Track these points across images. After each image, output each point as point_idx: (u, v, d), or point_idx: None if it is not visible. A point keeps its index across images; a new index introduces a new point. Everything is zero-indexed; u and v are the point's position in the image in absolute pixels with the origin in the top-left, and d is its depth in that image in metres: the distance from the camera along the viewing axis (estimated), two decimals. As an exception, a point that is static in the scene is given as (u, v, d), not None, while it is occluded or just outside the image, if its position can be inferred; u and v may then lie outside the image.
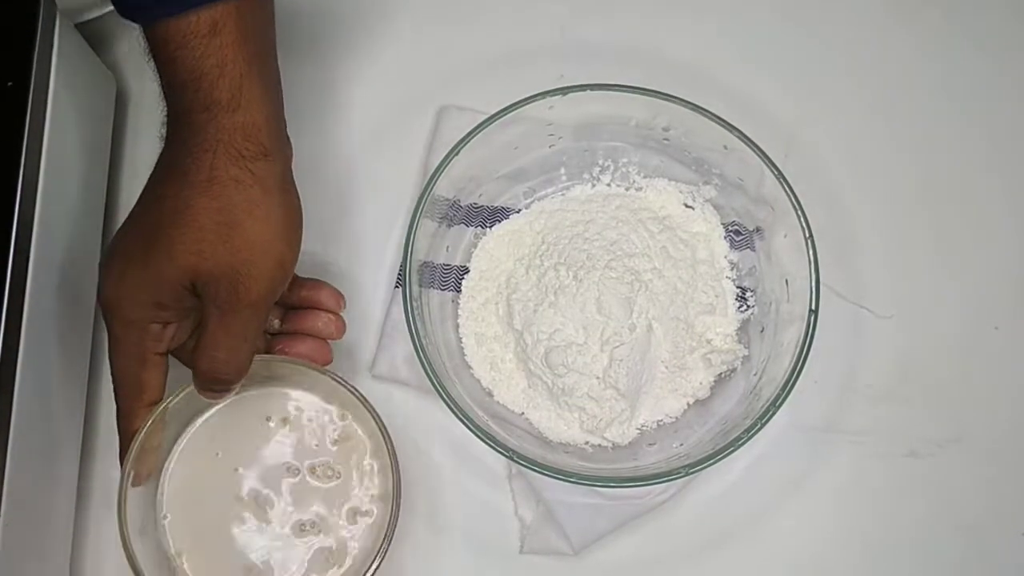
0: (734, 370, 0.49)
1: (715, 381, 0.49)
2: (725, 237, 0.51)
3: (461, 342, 0.50)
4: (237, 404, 0.44)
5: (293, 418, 0.45)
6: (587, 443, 0.48)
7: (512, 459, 0.43)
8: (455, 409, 0.43)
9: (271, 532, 0.43)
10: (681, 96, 0.47)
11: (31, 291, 0.42)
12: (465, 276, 0.51)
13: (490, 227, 0.52)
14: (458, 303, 0.51)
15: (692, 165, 0.51)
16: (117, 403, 0.42)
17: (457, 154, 0.47)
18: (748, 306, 0.51)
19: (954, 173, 0.55)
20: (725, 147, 0.48)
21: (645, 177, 0.52)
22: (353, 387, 0.43)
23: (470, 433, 0.43)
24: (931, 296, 0.53)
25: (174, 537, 0.43)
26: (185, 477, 0.44)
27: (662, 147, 0.51)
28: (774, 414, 0.44)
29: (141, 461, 0.42)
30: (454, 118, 0.54)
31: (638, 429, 0.49)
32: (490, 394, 0.49)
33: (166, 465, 0.44)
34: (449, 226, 0.51)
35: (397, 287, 0.52)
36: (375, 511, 0.44)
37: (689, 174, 0.51)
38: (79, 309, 0.49)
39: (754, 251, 0.50)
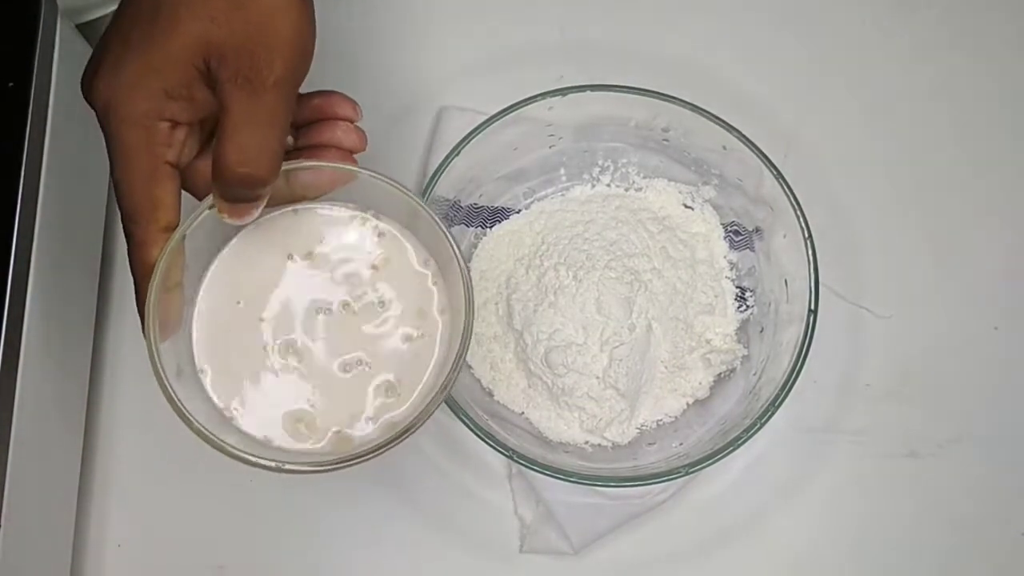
0: (733, 370, 0.49)
1: (714, 381, 0.49)
2: (724, 237, 0.51)
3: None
4: (255, 239, 0.38)
5: (319, 250, 0.39)
6: (587, 443, 0.48)
7: (512, 459, 0.43)
8: (455, 408, 0.43)
9: (315, 377, 0.38)
10: (681, 96, 0.47)
11: (33, 291, 0.42)
12: (465, 276, 0.51)
13: (490, 227, 0.52)
14: (458, 303, 0.51)
15: (691, 165, 0.51)
16: (128, 230, 0.35)
17: (457, 154, 0.47)
18: (747, 306, 0.51)
19: (954, 173, 0.55)
20: (724, 147, 0.48)
21: (645, 177, 0.52)
22: (398, 183, 0.37)
23: (470, 433, 0.43)
24: (930, 296, 0.53)
25: (216, 392, 0.38)
26: (212, 329, 0.38)
27: (662, 147, 0.51)
28: (773, 414, 0.44)
29: (165, 303, 0.36)
30: (454, 118, 0.54)
31: (638, 429, 0.49)
32: (490, 394, 0.49)
33: (192, 313, 0.38)
34: (449, 226, 0.51)
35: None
36: (439, 321, 0.38)
37: (688, 174, 0.51)
38: (80, 309, 0.49)
39: (753, 251, 0.50)
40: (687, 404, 0.49)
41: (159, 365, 0.35)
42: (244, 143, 0.33)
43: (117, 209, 0.53)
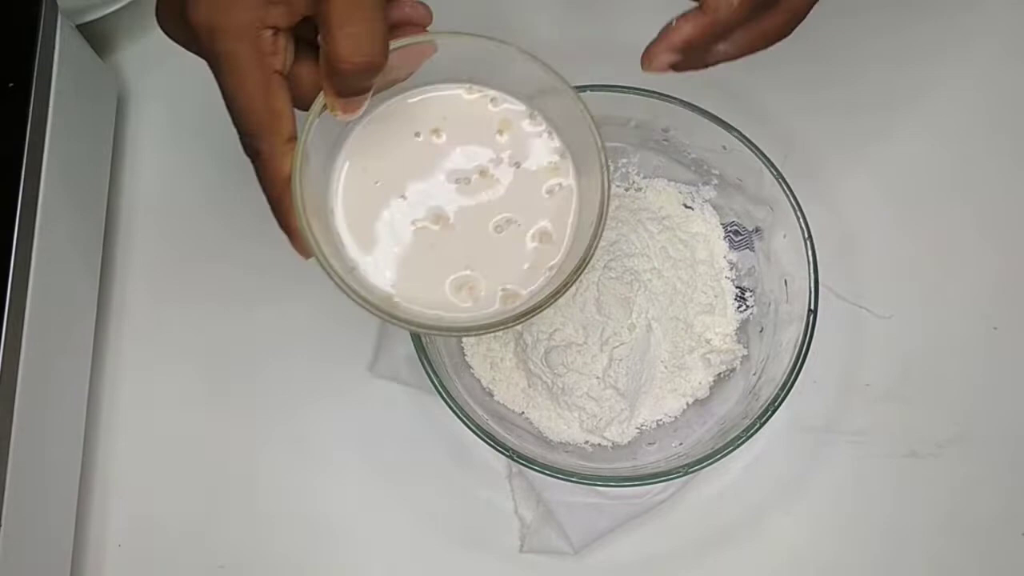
0: (733, 370, 0.49)
1: (714, 381, 0.49)
2: (724, 237, 0.51)
3: (461, 341, 0.50)
4: (376, 128, 0.38)
5: (442, 125, 0.39)
6: (587, 442, 0.48)
7: (512, 458, 0.43)
8: (455, 409, 0.43)
9: (468, 242, 0.38)
10: (681, 96, 0.47)
11: (33, 291, 0.43)
12: (465, 276, 0.51)
13: (490, 227, 0.52)
14: (458, 303, 0.51)
15: (691, 165, 0.51)
16: (253, 149, 0.35)
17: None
18: (747, 306, 0.51)
19: (954, 173, 0.55)
20: (724, 147, 0.48)
21: (645, 177, 0.52)
22: (500, 40, 0.37)
23: (470, 433, 0.43)
24: (930, 296, 0.53)
25: (378, 280, 0.37)
26: (357, 222, 0.38)
27: (662, 147, 0.51)
28: (773, 414, 0.44)
29: (310, 212, 0.35)
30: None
31: (637, 429, 0.49)
32: (490, 394, 0.49)
33: (333, 213, 0.38)
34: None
35: (397, 287, 0.52)
36: (571, 169, 0.38)
37: (688, 174, 0.51)
38: (81, 309, 0.49)
39: (753, 251, 0.50)
40: (687, 404, 0.49)
41: (333, 269, 0.35)
42: (354, 32, 0.33)
43: (118, 208, 0.54)
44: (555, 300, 0.36)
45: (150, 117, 0.56)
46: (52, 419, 0.45)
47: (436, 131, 0.39)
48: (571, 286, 0.36)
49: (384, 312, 0.35)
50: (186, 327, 0.53)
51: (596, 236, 0.36)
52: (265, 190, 0.35)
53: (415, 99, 0.39)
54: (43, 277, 0.43)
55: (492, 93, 0.39)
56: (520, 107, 0.39)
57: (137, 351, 0.52)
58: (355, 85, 0.34)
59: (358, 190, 0.38)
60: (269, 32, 0.34)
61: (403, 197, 0.38)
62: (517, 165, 0.39)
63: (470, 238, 0.38)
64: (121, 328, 0.52)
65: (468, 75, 0.39)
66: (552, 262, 0.38)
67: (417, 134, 0.39)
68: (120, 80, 0.55)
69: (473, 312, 0.38)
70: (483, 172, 0.38)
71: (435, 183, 0.38)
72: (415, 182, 0.38)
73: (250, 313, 0.53)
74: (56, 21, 0.46)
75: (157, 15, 0.35)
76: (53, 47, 0.45)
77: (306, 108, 0.35)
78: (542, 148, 0.39)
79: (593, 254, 0.36)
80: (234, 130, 0.52)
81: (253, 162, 0.35)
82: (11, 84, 0.43)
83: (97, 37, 0.54)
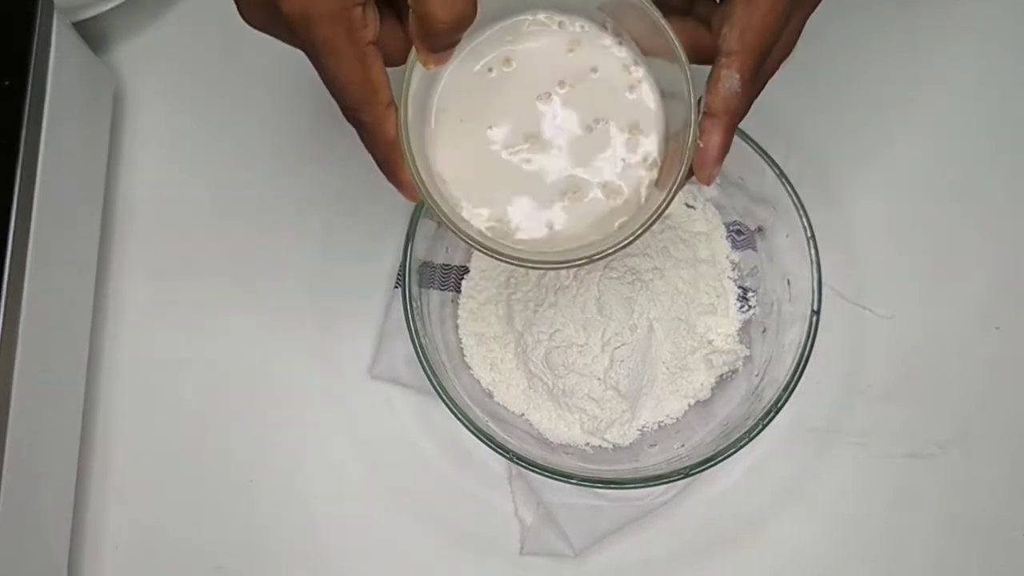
0: (735, 371, 0.49)
1: (716, 382, 0.49)
2: (726, 237, 0.51)
3: (461, 342, 0.50)
4: (452, 69, 0.39)
5: (512, 53, 0.39)
6: (588, 444, 0.48)
7: (512, 460, 0.43)
8: (455, 410, 0.43)
9: (561, 151, 0.39)
10: (682, 96, 0.47)
11: (29, 290, 0.42)
12: (465, 276, 0.51)
13: (491, 227, 0.52)
14: (458, 303, 0.51)
15: (693, 165, 0.51)
16: (356, 120, 0.36)
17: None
18: (750, 306, 0.50)
19: (955, 173, 0.55)
20: (726, 147, 0.48)
21: (646, 177, 0.52)
22: None
23: (470, 434, 0.43)
24: (932, 296, 0.53)
25: (479, 216, 0.39)
26: (451, 161, 0.39)
27: (663, 146, 0.51)
28: (776, 415, 0.43)
29: (419, 164, 0.37)
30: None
31: (639, 430, 0.48)
32: (490, 395, 0.49)
33: (430, 158, 0.39)
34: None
35: (397, 287, 0.51)
36: (642, 67, 0.39)
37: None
38: (77, 308, 0.49)
39: (756, 251, 0.50)
40: (688, 405, 0.49)
41: (444, 212, 0.37)
42: None
43: (114, 207, 0.53)
44: (676, 193, 0.37)
45: (146, 115, 0.55)
46: (48, 420, 0.45)
47: (507, 60, 0.39)
48: (682, 181, 0.37)
49: (492, 249, 0.37)
50: (184, 327, 0.52)
51: (693, 124, 0.37)
52: (373, 153, 0.37)
53: (482, 36, 0.39)
54: (39, 276, 0.43)
55: (556, 17, 0.40)
56: (584, 22, 0.40)
57: (134, 351, 0.52)
58: (448, 40, 0.36)
59: (449, 131, 0.39)
60: (359, 8, 0.34)
61: (491, 128, 0.39)
62: (593, 71, 0.39)
63: (564, 148, 0.39)
64: (118, 327, 0.52)
65: (524, 6, 0.40)
66: (647, 151, 0.39)
67: (490, 69, 0.39)
68: (116, 78, 0.55)
69: (579, 216, 0.39)
70: (562, 84, 0.39)
71: (521, 108, 0.39)
72: (501, 113, 0.39)
73: (249, 313, 0.52)
74: (52, 19, 0.45)
75: (239, 6, 0.36)
76: (49, 45, 0.45)
77: (395, 66, 0.36)
78: (614, 57, 0.39)
79: (695, 140, 0.37)
80: (234, 130, 0.52)
81: (358, 131, 0.36)
82: (7, 82, 0.43)
83: (93, 35, 0.54)
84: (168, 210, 0.54)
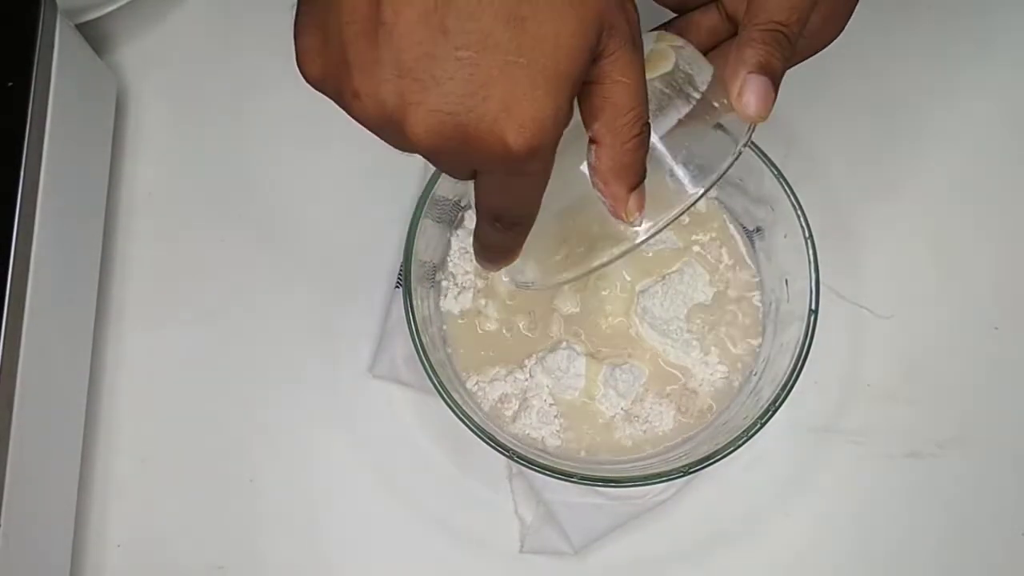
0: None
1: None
2: (725, 237, 0.51)
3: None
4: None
5: None
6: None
7: (512, 459, 0.43)
8: (455, 409, 0.43)
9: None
10: (681, 96, 0.47)
11: (32, 290, 0.42)
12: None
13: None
14: (458, 303, 0.51)
15: (692, 165, 0.51)
16: (524, 225, 0.33)
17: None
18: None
19: (954, 173, 0.55)
20: (725, 147, 0.48)
21: (645, 177, 0.52)
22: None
23: (470, 433, 0.43)
24: (931, 296, 0.53)
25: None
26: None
27: (662, 147, 0.51)
28: (774, 414, 0.44)
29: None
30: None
31: (639, 429, 0.48)
32: (490, 394, 0.49)
33: None
34: (449, 226, 0.51)
35: (397, 287, 0.52)
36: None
37: (689, 174, 0.51)
38: (80, 308, 0.49)
39: (754, 251, 0.50)
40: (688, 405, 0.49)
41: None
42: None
43: (117, 208, 0.54)
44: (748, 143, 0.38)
45: (149, 116, 0.56)
46: (52, 419, 0.45)
47: None
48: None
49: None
50: (185, 327, 0.52)
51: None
52: (504, 242, 0.35)
53: None
54: (42, 276, 0.43)
55: None
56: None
57: (136, 350, 0.52)
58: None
59: None
60: None
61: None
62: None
63: None
64: (120, 327, 0.52)
65: None
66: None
67: None
68: (120, 79, 0.55)
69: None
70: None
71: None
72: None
73: (249, 312, 0.52)
74: (55, 20, 0.45)
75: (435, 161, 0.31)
76: (52, 47, 0.45)
77: None
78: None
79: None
80: (235, 131, 0.52)
81: (504, 232, 0.34)
82: (10, 84, 0.43)
83: (96, 36, 0.54)
84: (170, 211, 0.54)
